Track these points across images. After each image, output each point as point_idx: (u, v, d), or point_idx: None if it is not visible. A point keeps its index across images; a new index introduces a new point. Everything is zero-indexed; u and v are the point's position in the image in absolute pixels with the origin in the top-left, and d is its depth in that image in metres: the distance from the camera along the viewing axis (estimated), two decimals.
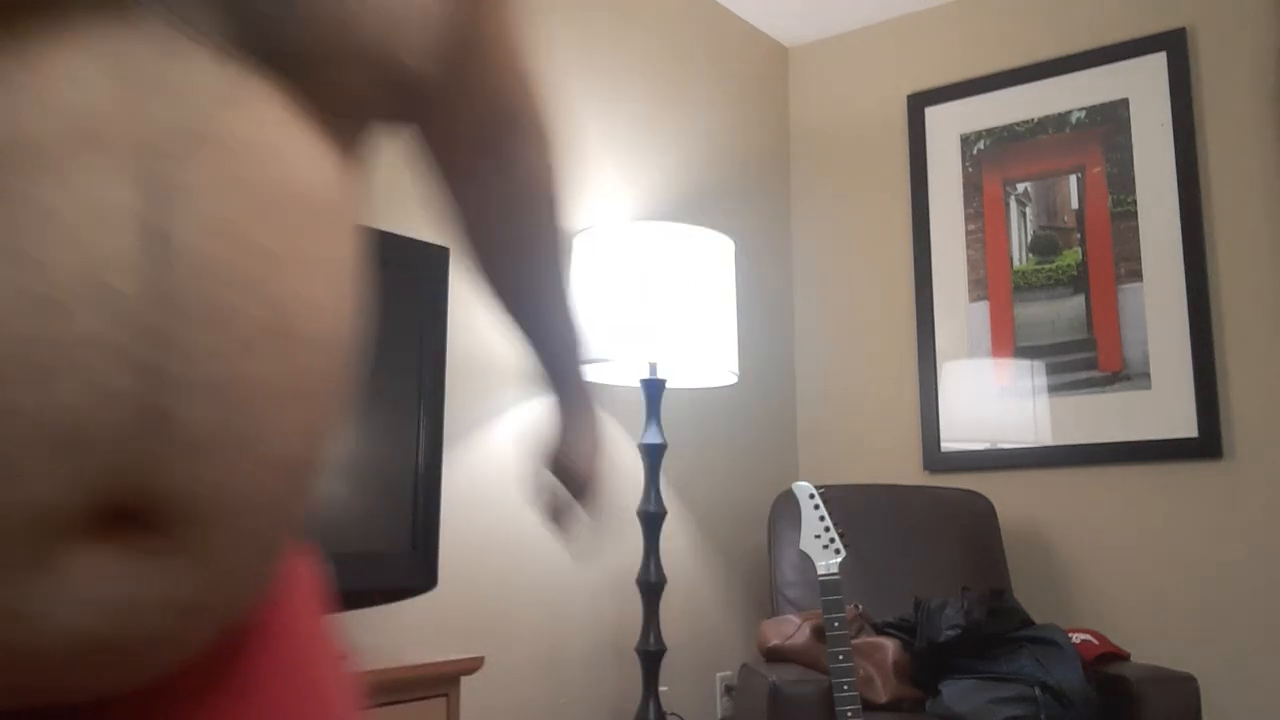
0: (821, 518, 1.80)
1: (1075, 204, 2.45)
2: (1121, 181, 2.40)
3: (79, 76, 0.46)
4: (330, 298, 0.52)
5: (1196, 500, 2.27)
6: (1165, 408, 2.30)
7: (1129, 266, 2.38)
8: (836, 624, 1.71)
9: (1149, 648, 2.21)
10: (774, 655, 1.97)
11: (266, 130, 0.50)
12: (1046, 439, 2.41)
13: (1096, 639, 1.98)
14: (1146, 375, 2.34)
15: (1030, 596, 2.38)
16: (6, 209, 0.43)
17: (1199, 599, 2.25)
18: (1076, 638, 1.94)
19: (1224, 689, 2.16)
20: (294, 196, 0.51)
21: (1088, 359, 2.40)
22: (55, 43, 0.46)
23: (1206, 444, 2.24)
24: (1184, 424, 2.28)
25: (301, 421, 0.50)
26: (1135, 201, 2.39)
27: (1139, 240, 2.38)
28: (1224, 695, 2.15)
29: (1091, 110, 2.44)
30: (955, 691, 1.79)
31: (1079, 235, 2.44)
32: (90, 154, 0.46)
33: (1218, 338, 2.26)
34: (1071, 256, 2.44)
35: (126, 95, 0.47)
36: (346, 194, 0.54)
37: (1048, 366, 2.43)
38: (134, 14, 0.47)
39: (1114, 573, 2.35)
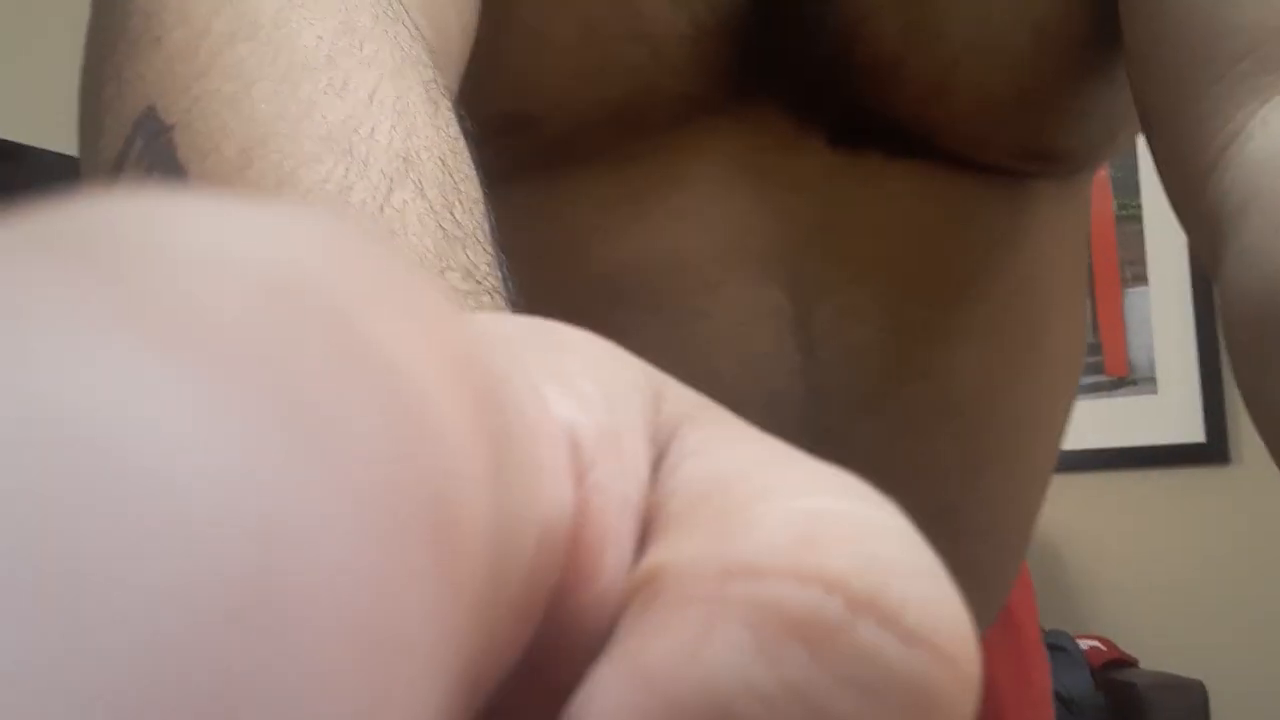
0: None
1: None
2: (1126, 185, 2.39)
3: (720, 194, 0.49)
4: None
5: (1204, 505, 2.26)
6: (1172, 412, 2.29)
7: (1134, 270, 2.37)
8: None
9: (1157, 654, 2.20)
10: None
11: (888, 208, 0.51)
12: None
13: (1104, 645, 1.96)
14: (1153, 380, 2.33)
15: (1040, 601, 2.36)
16: (671, 321, 0.45)
17: (1207, 604, 2.23)
18: (1084, 644, 1.92)
19: (1233, 695, 2.14)
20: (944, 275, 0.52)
21: (1094, 363, 2.39)
22: (691, 153, 0.49)
23: (1214, 449, 2.22)
24: (1191, 429, 2.26)
25: None
26: (1140, 205, 2.38)
27: (1144, 244, 2.37)
28: (1232, 701, 2.14)
29: None
30: None
31: None
32: (740, 263, 0.49)
33: (1225, 341, 2.25)
34: None
35: (762, 198, 0.49)
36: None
37: None
38: (749, 111, 0.49)
39: (1121, 578, 2.33)
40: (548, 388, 0.11)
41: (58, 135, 1.34)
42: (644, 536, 0.11)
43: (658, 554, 0.11)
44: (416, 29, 0.36)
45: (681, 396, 0.13)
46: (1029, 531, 0.63)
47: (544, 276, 0.49)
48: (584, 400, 0.11)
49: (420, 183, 0.30)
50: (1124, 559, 2.31)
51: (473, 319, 0.12)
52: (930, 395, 0.52)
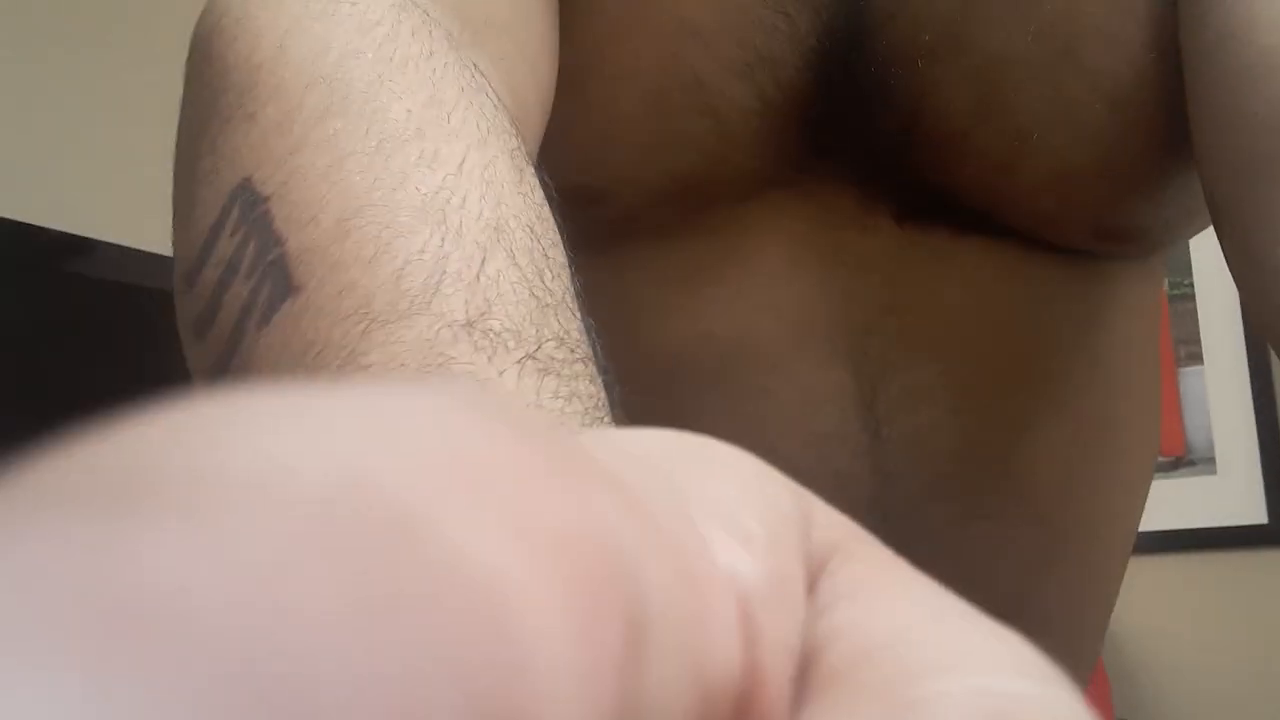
0: None
1: None
2: (1178, 264, 2.37)
3: (786, 272, 0.49)
4: None
5: (1268, 588, 2.20)
6: (1232, 493, 2.25)
7: (1188, 349, 2.35)
8: None
9: None
10: None
11: (956, 288, 0.51)
12: None
13: None
14: (1211, 460, 2.28)
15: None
16: (735, 399, 0.44)
17: (1271, 695, 2.16)
18: None
19: None
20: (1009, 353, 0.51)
21: None
22: (757, 230, 0.49)
23: (1278, 530, 2.17)
24: (1253, 510, 2.21)
25: None
26: (1193, 284, 2.36)
27: (1198, 323, 2.34)
28: None
29: None
30: None
31: None
32: (805, 342, 0.49)
33: None
34: None
35: (828, 276, 0.49)
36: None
37: None
38: (815, 187, 0.49)
39: (1183, 667, 2.27)
40: (710, 528, 0.11)
41: (128, 230, 1.38)
42: (796, 679, 0.11)
43: None
44: (499, 99, 0.36)
45: (831, 522, 0.13)
46: (1105, 621, 0.62)
47: (606, 351, 0.49)
48: (750, 541, 0.11)
49: (512, 251, 0.30)
50: (1185, 646, 2.24)
51: (612, 443, 0.12)
52: (1001, 478, 0.51)
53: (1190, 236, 0.58)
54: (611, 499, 0.09)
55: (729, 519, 0.11)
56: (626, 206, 0.49)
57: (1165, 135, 0.49)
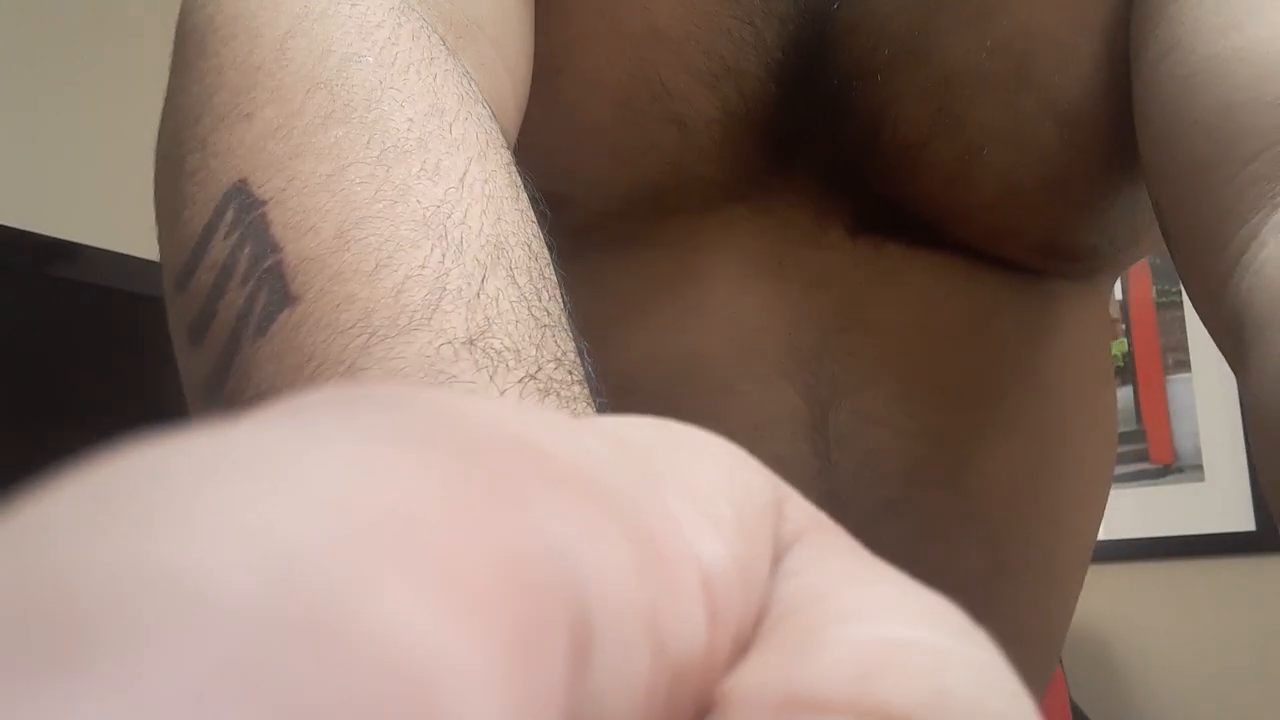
0: None
1: (1119, 294, 2.44)
2: (1166, 271, 2.38)
3: (738, 289, 0.49)
4: None
5: (1256, 595, 2.21)
6: (1220, 500, 2.25)
7: (1176, 357, 2.35)
8: None
9: None
10: None
11: (907, 307, 0.51)
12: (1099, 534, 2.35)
13: None
14: (1199, 467, 2.29)
15: (1088, 696, 2.31)
16: (684, 420, 0.46)
17: (1261, 697, 2.17)
18: None
19: None
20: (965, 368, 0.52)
21: (1138, 451, 2.36)
22: (712, 246, 0.49)
23: (1265, 537, 2.18)
24: (1241, 517, 2.22)
25: None
26: (1180, 292, 2.37)
27: (1186, 330, 2.35)
28: None
29: None
30: None
31: (1124, 326, 2.42)
32: (756, 364, 0.48)
33: (1252, 449, 2.22)
34: (1118, 347, 2.42)
35: (780, 296, 0.49)
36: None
37: None
38: (772, 201, 0.49)
39: (1171, 671, 2.28)
40: (684, 510, 0.11)
41: (113, 234, 1.38)
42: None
43: (733, 675, 0.11)
44: (491, 109, 0.36)
45: (801, 511, 0.13)
46: (1060, 638, 0.62)
47: None
48: (721, 525, 0.11)
49: (511, 269, 0.30)
50: (1174, 652, 2.25)
51: (596, 426, 0.12)
52: (952, 499, 0.51)
53: (1138, 259, 0.58)
54: (554, 498, 0.09)
55: (703, 502, 0.11)
56: (587, 215, 0.49)
57: (1114, 155, 0.50)
